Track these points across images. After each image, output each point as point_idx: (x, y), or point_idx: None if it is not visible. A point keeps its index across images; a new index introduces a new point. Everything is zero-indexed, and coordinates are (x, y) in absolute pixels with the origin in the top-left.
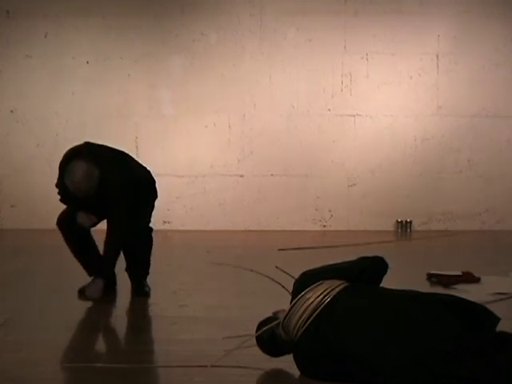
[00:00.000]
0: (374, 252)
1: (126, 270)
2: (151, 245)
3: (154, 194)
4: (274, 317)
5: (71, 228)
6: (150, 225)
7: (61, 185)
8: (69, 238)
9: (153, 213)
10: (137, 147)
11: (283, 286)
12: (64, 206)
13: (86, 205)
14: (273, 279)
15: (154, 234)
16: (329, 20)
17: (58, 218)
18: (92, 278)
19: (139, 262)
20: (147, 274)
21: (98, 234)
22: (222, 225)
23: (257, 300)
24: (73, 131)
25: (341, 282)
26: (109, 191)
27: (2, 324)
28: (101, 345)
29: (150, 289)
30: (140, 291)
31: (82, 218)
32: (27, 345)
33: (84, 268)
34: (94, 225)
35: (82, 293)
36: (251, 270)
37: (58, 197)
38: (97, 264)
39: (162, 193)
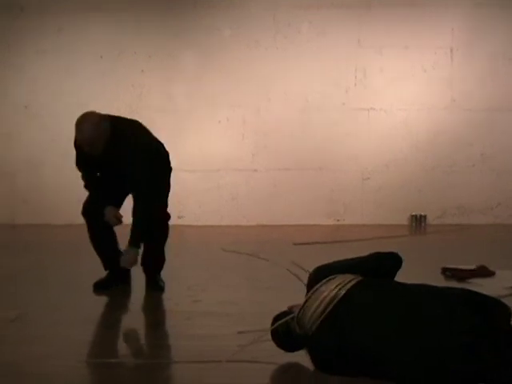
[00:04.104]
0: (388, 246)
1: (142, 264)
2: (167, 234)
3: (169, 166)
4: (290, 311)
5: (97, 218)
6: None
7: (76, 148)
8: (93, 227)
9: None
10: None
11: (298, 278)
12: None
13: (101, 169)
14: (288, 270)
15: (170, 222)
16: (342, 13)
17: (84, 207)
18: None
19: (155, 254)
20: (161, 268)
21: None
22: (236, 220)
23: (271, 295)
24: None
25: (354, 276)
26: (129, 154)
27: (15, 318)
28: (115, 340)
29: (164, 283)
30: (155, 286)
31: (110, 214)
32: (41, 339)
33: (101, 260)
34: (120, 222)
35: (99, 285)
36: (267, 260)
37: (80, 190)
38: (114, 258)
39: (176, 187)
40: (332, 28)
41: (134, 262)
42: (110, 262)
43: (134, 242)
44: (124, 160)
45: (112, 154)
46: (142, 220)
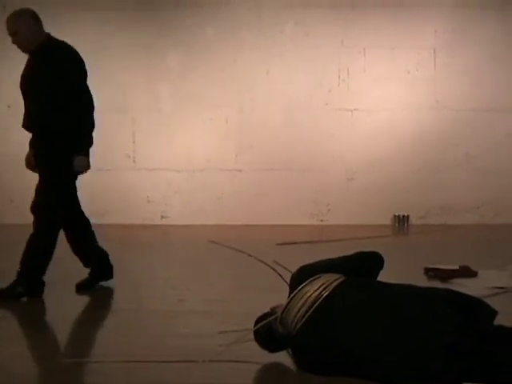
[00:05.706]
0: (371, 246)
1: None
2: (49, 230)
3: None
4: (272, 312)
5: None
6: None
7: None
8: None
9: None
10: (134, 142)
11: (282, 277)
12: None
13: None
14: (271, 267)
15: (154, 222)
16: (326, 14)
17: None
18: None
19: (26, 248)
20: (25, 273)
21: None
22: (221, 219)
23: (256, 295)
24: None
25: (338, 276)
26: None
27: (1, 318)
28: (98, 340)
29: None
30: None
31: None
32: (25, 339)
33: (80, 259)
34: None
35: (80, 286)
36: (249, 255)
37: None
38: (93, 256)
39: (160, 187)
40: (316, 28)
41: (86, 166)
42: (89, 261)
43: (83, 147)
44: (61, 62)
45: (46, 57)
46: (89, 121)
